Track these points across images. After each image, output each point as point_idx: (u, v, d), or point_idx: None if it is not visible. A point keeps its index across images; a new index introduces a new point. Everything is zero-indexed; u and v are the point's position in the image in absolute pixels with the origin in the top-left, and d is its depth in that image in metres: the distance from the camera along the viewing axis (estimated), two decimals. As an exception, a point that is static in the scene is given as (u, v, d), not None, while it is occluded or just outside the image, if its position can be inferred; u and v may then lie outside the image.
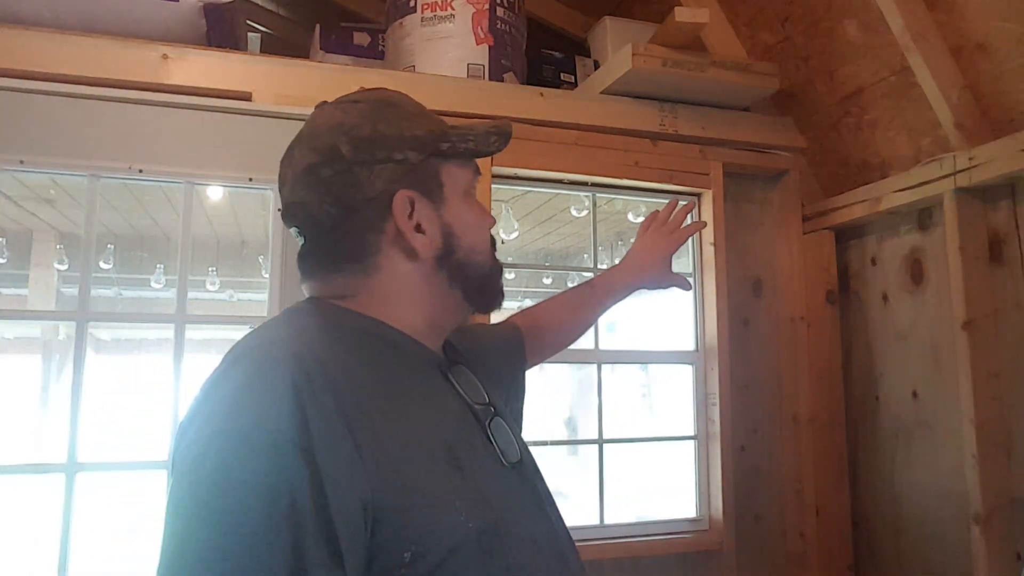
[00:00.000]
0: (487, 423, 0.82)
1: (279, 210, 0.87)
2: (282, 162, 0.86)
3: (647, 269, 1.32)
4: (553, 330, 1.27)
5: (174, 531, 0.60)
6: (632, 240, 1.38)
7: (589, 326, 1.34)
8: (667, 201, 2.06)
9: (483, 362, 0.97)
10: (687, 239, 1.38)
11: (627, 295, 1.32)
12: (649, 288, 1.34)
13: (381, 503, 0.63)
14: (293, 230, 0.85)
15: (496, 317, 1.15)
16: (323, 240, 0.81)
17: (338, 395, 0.65)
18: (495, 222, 0.90)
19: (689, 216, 1.52)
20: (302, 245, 0.85)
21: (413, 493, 0.66)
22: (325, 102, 0.86)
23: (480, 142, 0.86)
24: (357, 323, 0.79)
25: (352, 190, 0.78)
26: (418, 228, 0.80)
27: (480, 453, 0.78)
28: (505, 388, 1.09)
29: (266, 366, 0.67)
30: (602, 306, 1.31)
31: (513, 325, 1.22)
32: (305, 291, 0.86)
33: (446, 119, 0.90)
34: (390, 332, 0.80)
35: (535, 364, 1.24)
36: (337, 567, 0.58)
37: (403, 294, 0.81)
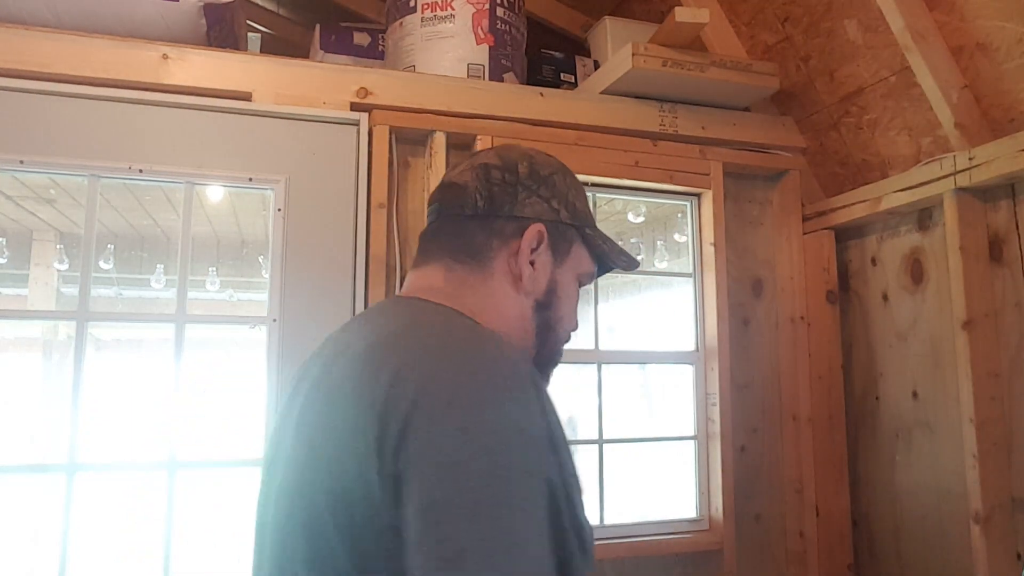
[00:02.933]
0: None
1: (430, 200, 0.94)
2: (464, 160, 0.95)
3: None
4: None
5: (459, 516, 0.61)
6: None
7: None
8: (667, 201, 2.08)
9: None
10: None
11: None
12: None
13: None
14: (433, 207, 0.91)
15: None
16: (456, 224, 0.88)
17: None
18: (577, 329, 0.96)
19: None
20: (431, 224, 0.91)
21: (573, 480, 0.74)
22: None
23: (612, 252, 0.95)
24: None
25: (507, 198, 0.87)
26: (532, 263, 0.87)
27: None
28: None
29: (515, 368, 0.72)
30: None
31: None
32: (411, 280, 0.90)
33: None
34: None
35: None
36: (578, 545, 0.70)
37: (512, 320, 0.87)
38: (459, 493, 0.62)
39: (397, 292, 1.70)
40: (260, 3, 2.58)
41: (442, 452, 0.63)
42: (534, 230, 0.86)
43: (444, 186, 0.91)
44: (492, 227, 0.86)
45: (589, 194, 1.97)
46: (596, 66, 2.19)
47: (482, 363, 0.71)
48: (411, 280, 0.90)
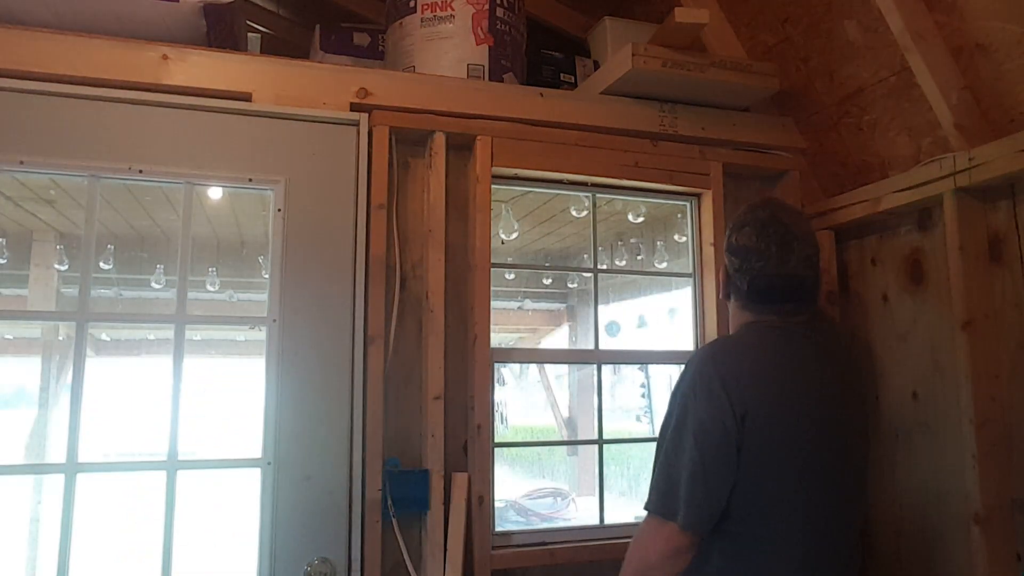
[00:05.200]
0: None
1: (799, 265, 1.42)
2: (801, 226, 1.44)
3: None
4: None
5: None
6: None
7: None
8: (667, 201, 2.08)
9: None
10: None
11: None
12: None
13: None
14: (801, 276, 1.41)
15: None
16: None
17: None
18: None
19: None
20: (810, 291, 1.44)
21: None
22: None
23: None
24: None
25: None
26: None
27: None
28: None
29: None
30: None
31: None
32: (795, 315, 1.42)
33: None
34: None
35: None
36: None
37: None
38: None
39: (398, 292, 1.70)
40: (260, 3, 2.58)
41: None
42: None
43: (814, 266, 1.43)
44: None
45: (588, 194, 1.98)
46: (596, 66, 2.19)
47: None
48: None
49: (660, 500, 1.27)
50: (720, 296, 1.50)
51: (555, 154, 1.83)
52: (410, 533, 1.65)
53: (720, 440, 1.24)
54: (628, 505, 1.98)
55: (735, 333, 1.45)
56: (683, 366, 1.37)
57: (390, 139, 1.71)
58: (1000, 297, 1.60)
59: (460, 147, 1.79)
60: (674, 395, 1.33)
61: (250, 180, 1.63)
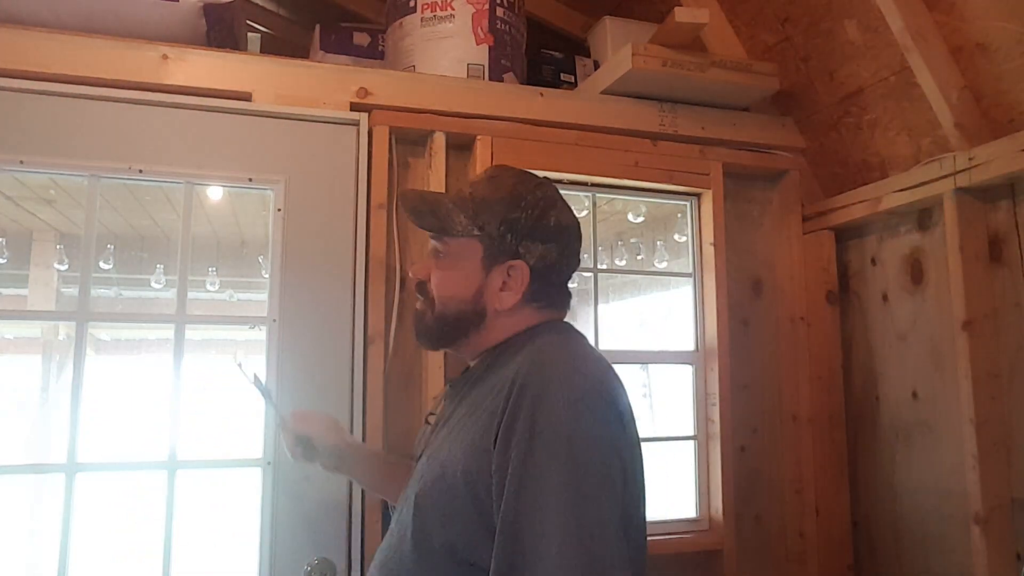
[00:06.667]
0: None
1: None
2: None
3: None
4: None
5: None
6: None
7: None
8: (667, 201, 2.08)
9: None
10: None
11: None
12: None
13: None
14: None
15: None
16: None
17: None
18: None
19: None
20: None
21: None
22: None
23: None
24: None
25: None
26: None
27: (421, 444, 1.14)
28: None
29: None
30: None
31: None
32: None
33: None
34: None
35: None
36: None
37: None
38: None
39: (398, 292, 1.70)
40: (260, 3, 2.58)
41: None
42: None
43: None
44: None
45: (588, 194, 1.98)
46: (596, 66, 2.19)
47: None
48: None
49: None
50: (508, 304, 1.07)
51: (555, 154, 1.83)
52: (410, 533, 1.65)
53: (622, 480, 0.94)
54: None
55: (568, 341, 1.08)
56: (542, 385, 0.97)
57: (390, 139, 1.71)
58: (1000, 297, 1.60)
59: (460, 147, 1.79)
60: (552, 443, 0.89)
61: (250, 180, 1.63)
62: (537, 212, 1.08)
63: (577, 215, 1.19)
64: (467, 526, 0.92)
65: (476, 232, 1.07)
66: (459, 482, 0.93)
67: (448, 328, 1.08)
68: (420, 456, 1.10)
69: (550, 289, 1.09)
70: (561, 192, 1.18)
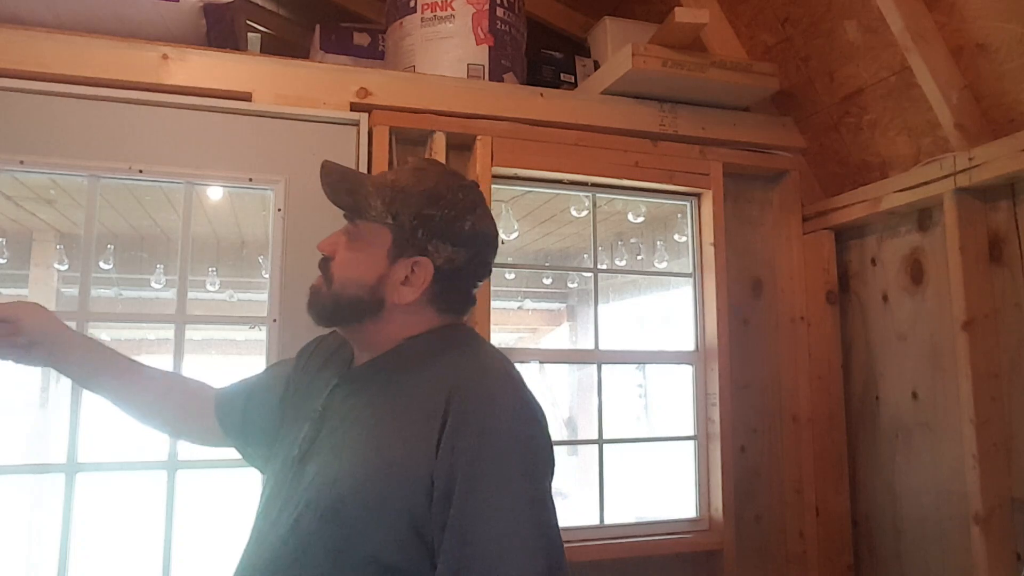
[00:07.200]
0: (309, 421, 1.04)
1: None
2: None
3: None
4: None
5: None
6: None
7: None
8: (667, 201, 2.08)
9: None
10: None
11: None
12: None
13: None
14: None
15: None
16: None
17: None
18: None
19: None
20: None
21: None
22: None
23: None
24: None
25: None
26: None
27: (286, 446, 1.05)
28: None
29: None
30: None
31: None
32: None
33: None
34: None
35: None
36: None
37: None
38: None
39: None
40: (260, 3, 2.58)
41: None
42: None
43: None
44: None
45: (588, 194, 1.98)
46: (596, 66, 2.19)
47: None
48: None
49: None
50: (406, 300, 1.02)
51: (555, 154, 1.83)
52: (410, 533, 1.64)
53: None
54: (628, 505, 1.98)
55: (493, 349, 1.09)
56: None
57: (390, 139, 1.71)
58: (1000, 297, 1.60)
59: (460, 147, 1.79)
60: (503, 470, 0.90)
61: (250, 180, 1.63)
62: (453, 213, 1.03)
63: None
64: (395, 533, 0.88)
65: (388, 220, 1.02)
66: (388, 488, 0.90)
67: (342, 310, 1.04)
68: (301, 454, 1.01)
69: (453, 294, 1.06)
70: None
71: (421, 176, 1.06)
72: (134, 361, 1.23)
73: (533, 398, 0.97)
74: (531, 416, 0.94)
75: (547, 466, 0.93)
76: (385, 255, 1.02)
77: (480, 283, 1.09)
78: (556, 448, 0.98)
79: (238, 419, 1.21)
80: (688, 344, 2.00)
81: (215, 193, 1.85)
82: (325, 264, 1.08)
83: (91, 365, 1.19)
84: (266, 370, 1.30)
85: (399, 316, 1.03)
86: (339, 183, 1.06)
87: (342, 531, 0.90)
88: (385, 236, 1.03)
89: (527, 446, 0.91)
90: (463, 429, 0.89)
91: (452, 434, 0.89)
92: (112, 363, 1.20)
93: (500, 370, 1.00)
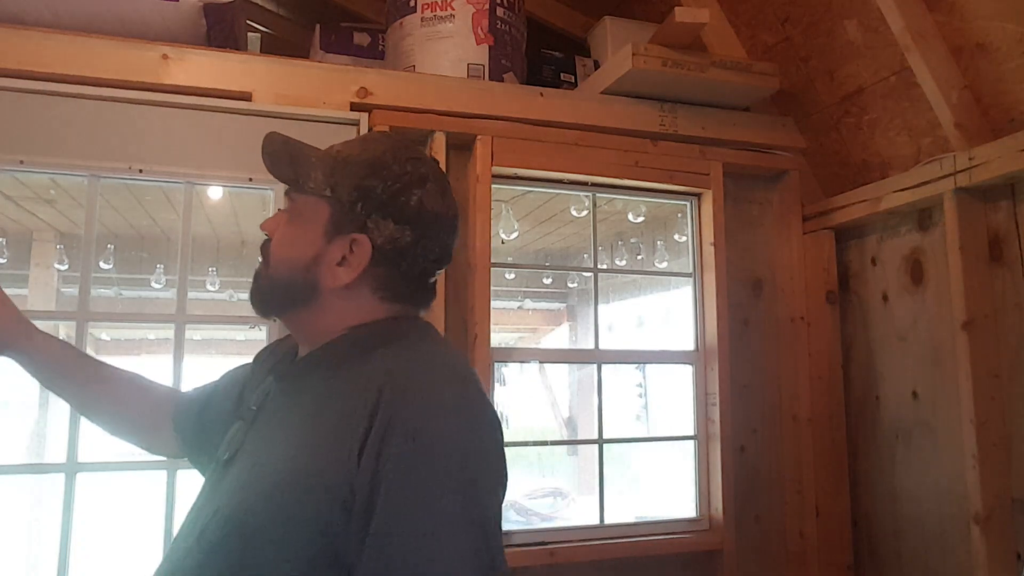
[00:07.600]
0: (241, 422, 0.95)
1: None
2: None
3: None
4: None
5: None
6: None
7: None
8: (667, 201, 2.08)
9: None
10: None
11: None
12: None
13: None
14: None
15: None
16: None
17: None
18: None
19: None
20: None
21: None
22: None
23: None
24: None
25: None
26: None
27: (221, 448, 0.95)
28: None
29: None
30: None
31: None
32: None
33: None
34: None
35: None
36: None
37: None
38: None
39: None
40: (260, 3, 2.58)
41: None
42: None
43: None
44: None
45: (588, 194, 1.98)
46: (596, 66, 2.19)
47: None
48: None
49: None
50: (341, 282, 0.89)
51: (555, 154, 1.83)
52: (410, 533, 1.64)
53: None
54: (628, 505, 1.98)
55: (439, 343, 0.97)
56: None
57: (390, 139, 1.71)
58: (1000, 297, 1.60)
59: (460, 147, 1.79)
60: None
61: (250, 180, 1.63)
62: (398, 186, 0.89)
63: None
64: (305, 552, 0.76)
65: (327, 193, 0.89)
66: (297, 499, 0.78)
67: (277, 295, 0.93)
68: (229, 457, 0.91)
69: (400, 280, 0.91)
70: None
71: (366, 145, 0.94)
72: (103, 368, 1.14)
73: (485, 399, 0.85)
74: (477, 419, 0.82)
75: (493, 480, 0.81)
76: (321, 232, 0.90)
77: (438, 271, 0.96)
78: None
79: (193, 427, 1.11)
80: (688, 344, 2.00)
81: (215, 193, 1.85)
82: (265, 245, 0.95)
83: (52, 371, 1.11)
84: (224, 375, 1.18)
85: (337, 303, 0.91)
86: (280, 153, 0.93)
87: (244, 546, 0.78)
88: (323, 211, 0.90)
89: (468, 455, 0.78)
90: (392, 432, 0.76)
91: (379, 438, 0.76)
92: (77, 370, 1.12)
93: (445, 366, 0.87)
